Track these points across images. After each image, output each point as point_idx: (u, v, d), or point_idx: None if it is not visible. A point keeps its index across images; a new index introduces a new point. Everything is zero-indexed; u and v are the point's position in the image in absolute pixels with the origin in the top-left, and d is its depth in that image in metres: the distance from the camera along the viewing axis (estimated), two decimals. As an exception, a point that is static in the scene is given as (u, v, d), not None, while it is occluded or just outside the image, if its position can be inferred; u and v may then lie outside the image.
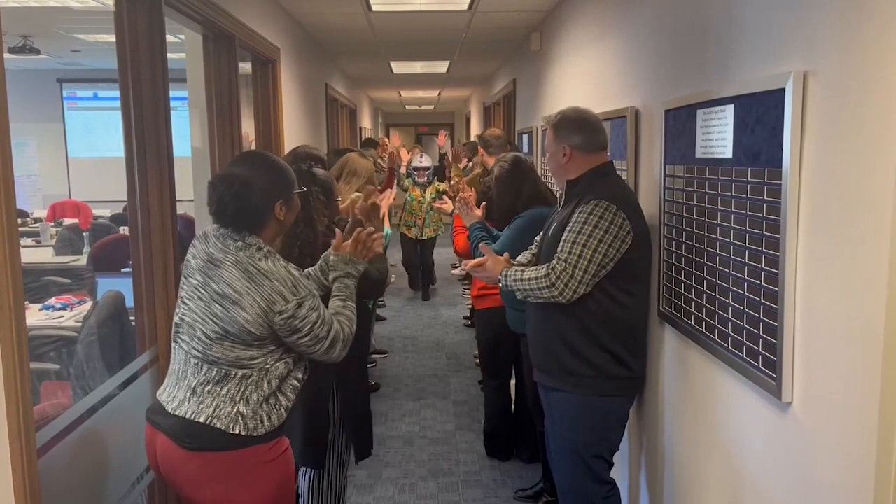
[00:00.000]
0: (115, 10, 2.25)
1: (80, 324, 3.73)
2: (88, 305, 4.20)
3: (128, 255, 5.31)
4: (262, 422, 1.84)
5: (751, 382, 1.72)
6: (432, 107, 16.42)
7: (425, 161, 6.91)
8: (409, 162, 6.88)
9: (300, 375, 1.94)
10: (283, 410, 1.90)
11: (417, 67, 8.60)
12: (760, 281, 1.66)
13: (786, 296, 1.55)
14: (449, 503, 3.40)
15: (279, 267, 1.84)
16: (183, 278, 1.94)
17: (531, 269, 2.30)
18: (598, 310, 2.28)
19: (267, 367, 1.85)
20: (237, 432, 1.80)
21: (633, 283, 2.33)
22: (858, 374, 1.31)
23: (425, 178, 6.87)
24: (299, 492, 2.65)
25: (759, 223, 1.66)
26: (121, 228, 7.14)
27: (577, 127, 2.37)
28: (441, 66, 8.45)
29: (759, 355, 1.67)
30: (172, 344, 1.94)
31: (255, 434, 1.83)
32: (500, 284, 2.39)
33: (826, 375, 1.44)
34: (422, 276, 7.82)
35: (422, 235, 7.11)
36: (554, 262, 2.23)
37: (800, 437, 1.54)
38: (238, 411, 1.81)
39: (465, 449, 4.00)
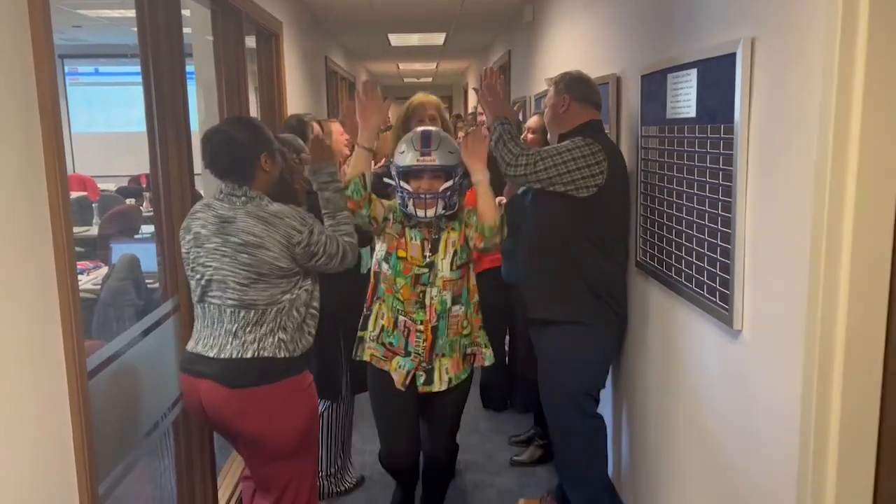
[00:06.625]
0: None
1: (98, 286, 3.95)
2: (104, 270, 4.42)
3: (137, 223, 5.56)
4: (298, 344, 2.13)
5: (709, 315, 1.95)
6: (430, 79, 16.51)
7: (438, 153, 2.37)
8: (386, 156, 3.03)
9: (316, 304, 2.21)
10: (309, 337, 2.19)
11: (414, 39, 8.72)
12: (717, 225, 1.88)
13: (736, 236, 1.76)
14: (447, 448, 3.63)
15: (283, 207, 2.12)
16: (194, 248, 2.13)
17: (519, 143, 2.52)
18: (586, 263, 2.53)
19: (293, 297, 2.12)
20: (283, 356, 2.09)
21: (616, 242, 2.62)
22: (794, 302, 1.53)
23: (440, 200, 2.37)
24: None
25: (716, 173, 1.87)
26: (127, 200, 7.37)
27: (577, 82, 2.63)
28: (438, 38, 8.57)
29: (717, 291, 1.89)
30: (199, 305, 2.15)
31: (295, 355, 2.12)
32: (494, 127, 2.55)
33: (769, 305, 1.66)
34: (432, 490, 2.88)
35: (434, 383, 2.49)
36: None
37: (748, 359, 1.76)
38: (279, 339, 2.09)
39: (462, 401, 4.23)
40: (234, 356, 2.07)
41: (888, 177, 1.35)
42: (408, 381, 2.47)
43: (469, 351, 2.57)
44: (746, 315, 1.76)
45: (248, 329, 2.07)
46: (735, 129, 1.75)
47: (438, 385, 2.50)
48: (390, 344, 2.48)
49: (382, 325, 2.49)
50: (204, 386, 2.09)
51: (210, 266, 2.09)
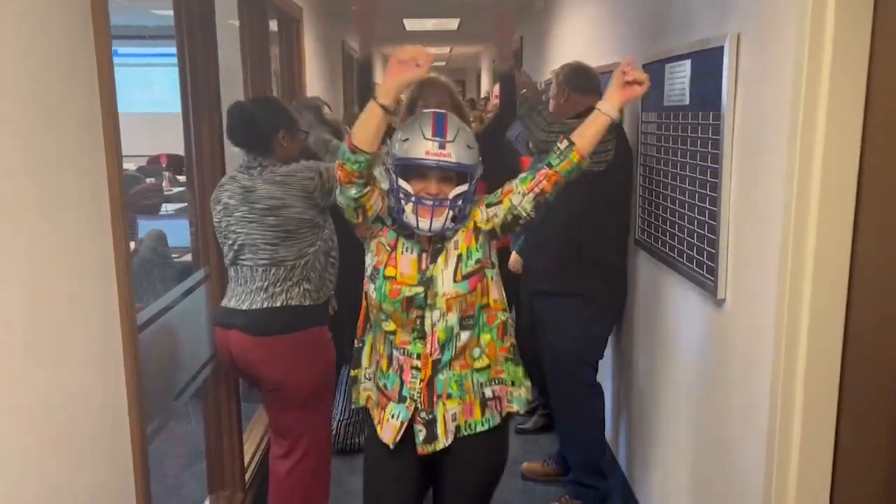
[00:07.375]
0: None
1: (127, 259, 4.16)
2: (130, 245, 4.64)
3: (159, 201, 5.77)
4: (321, 293, 2.37)
5: (698, 287, 2.13)
6: (444, 63, 16.61)
7: (454, 146, 1.70)
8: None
9: (334, 254, 2.45)
10: (330, 285, 2.42)
11: (429, 24, 8.86)
12: (706, 204, 2.05)
13: (721, 215, 1.94)
14: (456, 417, 3.82)
15: (290, 166, 2.34)
16: (224, 217, 2.36)
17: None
18: (587, 239, 2.71)
19: (316, 248, 2.35)
20: (308, 304, 2.33)
21: (614, 221, 2.79)
22: (768, 275, 1.70)
23: (448, 210, 1.74)
24: None
25: (706, 157, 2.04)
26: (147, 180, 7.58)
27: (574, 72, 2.82)
28: (452, 24, 8.71)
29: (704, 264, 2.07)
30: (232, 267, 2.38)
31: (319, 302, 2.35)
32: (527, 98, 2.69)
33: (748, 277, 1.83)
34: None
35: (438, 439, 1.79)
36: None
37: (730, 324, 1.94)
38: (305, 289, 2.33)
39: (470, 374, 4.41)
40: (263, 307, 2.31)
41: (850, 163, 1.52)
42: (399, 436, 1.79)
43: (489, 393, 1.82)
44: (729, 286, 1.94)
45: (278, 284, 2.31)
46: (722, 117, 1.92)
47: (443, 439, 1.79)
48: (384, 387, 1.85)
49: (377, 363, 1.88)
50: (233, 336, 2.34)
51: (241, 232, 2.33)
